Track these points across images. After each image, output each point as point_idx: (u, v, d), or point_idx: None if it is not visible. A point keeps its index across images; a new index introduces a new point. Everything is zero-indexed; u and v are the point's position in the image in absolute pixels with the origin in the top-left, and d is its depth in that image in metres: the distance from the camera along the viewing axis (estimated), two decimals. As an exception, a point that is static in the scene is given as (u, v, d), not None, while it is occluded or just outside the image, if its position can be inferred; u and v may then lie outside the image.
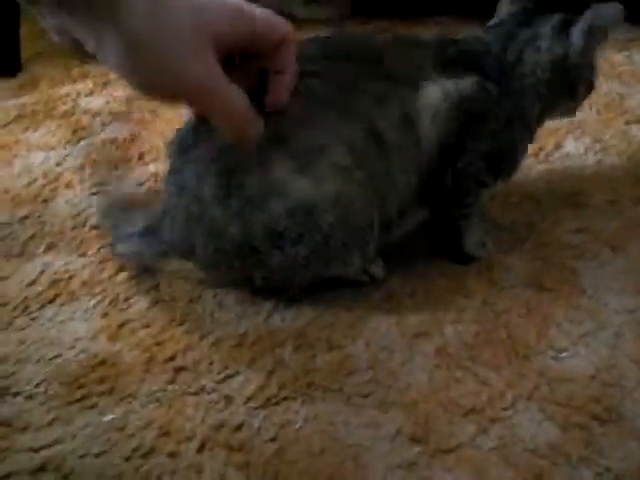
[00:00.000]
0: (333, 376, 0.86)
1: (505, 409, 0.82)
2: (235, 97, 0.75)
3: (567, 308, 0.95)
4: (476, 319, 0.94)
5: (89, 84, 1.67)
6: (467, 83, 0.92)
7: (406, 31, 1.87)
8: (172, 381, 0.87)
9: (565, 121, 1.39)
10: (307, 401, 0.83)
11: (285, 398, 0.84)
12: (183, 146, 0.90)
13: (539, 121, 1.01)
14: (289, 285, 0.93)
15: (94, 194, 1.24)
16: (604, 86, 1.56)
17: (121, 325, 0.96)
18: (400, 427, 0.80)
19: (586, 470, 0.75)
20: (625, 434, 0.78)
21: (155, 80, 0.70)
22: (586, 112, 1.45)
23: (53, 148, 1.40)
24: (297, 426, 0.81)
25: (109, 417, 0.83)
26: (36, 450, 0.79)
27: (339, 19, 1.99)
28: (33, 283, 1.04)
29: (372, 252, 0.93)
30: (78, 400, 0.85)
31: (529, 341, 0.90)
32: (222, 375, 0.87)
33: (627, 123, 1.41)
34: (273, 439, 0.79)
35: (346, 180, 0.86)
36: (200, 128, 0.88)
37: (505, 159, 0.98)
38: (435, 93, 0.91)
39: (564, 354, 0.88)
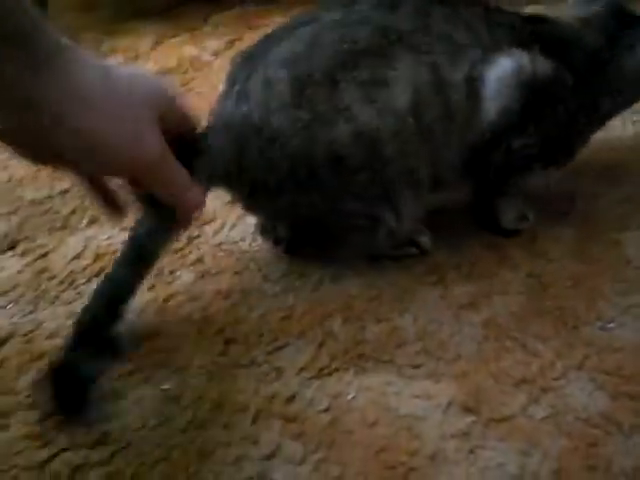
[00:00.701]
0: (383, 347, 0.87)
1: (556, 379, 0.82)
2: (180, 169, 0.76)
3: (613, 279, 0.94)
4: (522, 291, 0.94)
5: (119, 58, 1.70)
6: (545, 65, 0.91)
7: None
8: (223, 353, 0.88)
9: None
10: (359, 372, 0.84)
11: (337, 369, 0.85)
12: (249, 55, 0.90)
13: (608, 118, 1.01)
14: (330, 223, 0.93)
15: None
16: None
17: (167, 298, 0.96)
18: (452, 397, 0.81)
19: (639, 438, 0.75)
20: (677, 403, 0.78)
21: (107, 149, 0.68)
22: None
23: (88, 122, 1.39)
24: (350, 397, 0.81)
25: (164, 387, 0.83)
26: (91, 424, 0.80)
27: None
28: (78, 257, 1.05)
29: (413, 208, 0.92)
30: (130, 373, 0.86)
31: (577, 312, 0.90)
32: (272, 347, 0.88)
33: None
34: (326, 410, 0.80)
35: (404, 121, 0.85)
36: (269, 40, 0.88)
37: (562, 149, 0.97)
38: (508, 66, 0.90)
39: (611, 324, 0.88)
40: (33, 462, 0.76)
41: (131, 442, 0.78)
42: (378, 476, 0.73)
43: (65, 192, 1.19)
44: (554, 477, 0.72)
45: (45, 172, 1.25)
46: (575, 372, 0.83)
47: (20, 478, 0.75)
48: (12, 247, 1.08)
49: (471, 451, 0.76)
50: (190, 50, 1.68)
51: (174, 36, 1.78)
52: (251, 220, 1.08)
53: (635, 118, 1.30)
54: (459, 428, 0.78)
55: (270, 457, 0.76)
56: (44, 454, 0.77)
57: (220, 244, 1.05)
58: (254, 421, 0.79)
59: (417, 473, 0.73)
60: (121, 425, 0.80)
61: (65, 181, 1.21)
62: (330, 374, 0.84)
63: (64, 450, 0.78)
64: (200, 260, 1.02)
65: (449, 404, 0.80)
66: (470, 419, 0.79)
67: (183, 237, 1.06)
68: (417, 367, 0.84)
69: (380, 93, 0.84)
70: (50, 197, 1.19)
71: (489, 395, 0.81)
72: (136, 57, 1.68)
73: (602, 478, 0.72)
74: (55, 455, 0.77)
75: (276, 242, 1.01)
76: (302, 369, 0.85)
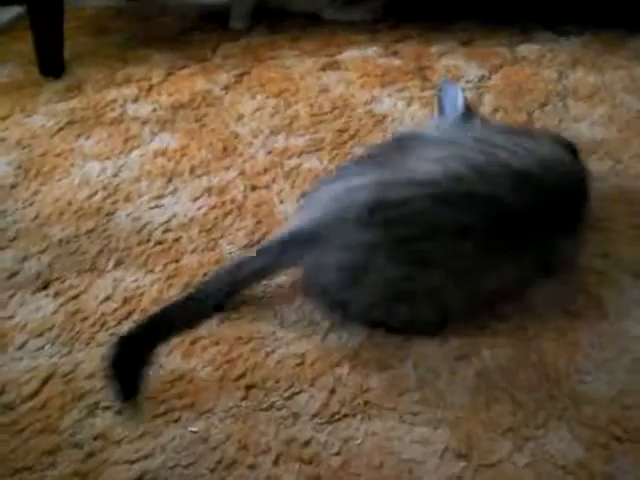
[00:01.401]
0: (387, 395, 0.98)
1: (537, 428, 0.94)
2: None
3: (592, 334, 1.06)
4: (510, 342, 1.05)
5: (134, 89, 1.77)
6: None
7: (432, 36, 1.96)
8: (245, 397, 0.99)
9: (587, 140, 1.49)
10: (365, 418, 0.96)
11: (346, 415, 0.96)
12: None
13: None
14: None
15: (153, 208, 1.35)
16: (625, 101, 1.66)
17: (193, 342, 1.07)
18: (447, 444, 0.92)
19: (609, 485, 0.88)
20: (643, 453, 0.91)
21: None
22: (608, 129, 1.55)
23: (108, 158, 1.50)
24: (358, 441, 0.93)
25: (193, 429, 0.94)
26: (132, 462, 0.92)
27: (371, 22, 2.08)
28: (108, 299, 1.16)
29: None
30: (163, 414, 0.97)
31: (558, 365, 1.02)
32: (289, 392, 0.99)
33: (645, 143, 1.51)
34: (338, 453, 0.92)
35: None
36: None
37: None
38: None
39: (588, 377, 1.00)
40: (81, 498, 0.87)
41: (167, 479, 0.89)
42: (383, 515, 0.85)
43: (91, 232, 1.29)
44: (535, 521, 0.84)
45: (72, 208, 1.34)
46: (555, 422, 0.95)
47: (70, 512, 0.86)
48: (45, 287, 1.18)
49: (464, 493, 0.87)
50: (201, 83, 1.77)
51: (184, 67, 1.87)
52: (265, 266, 1.19)
53: (617, 169, 1.42)
54: (453, 472, 0.90)
55: (291, 496, 0.87)
56: (91, 491, 0.88)
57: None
58: (275, 463, 0.91)
59: (417, 512, 0.85)
60: (157, 464, 0.91)
61: (91, 220, 1.31)
62: (340, 420, 0.96)
63: (109, 486, 0.88)
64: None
65: (445, 450, 0.92)
66: (463, 464, 0.90)
67: (204, 282, 1.16)
68: (417, 414, 0.96)
69: None
70: (77, 237, 1.28)
71: (479, 442, 0.93)
72: (150, 88, 1.77)
73: (576, 522, 0.84)
74: (100, 491, 0.88)
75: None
76: (315, 415, 0.96)
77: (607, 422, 0.95)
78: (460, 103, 1.32)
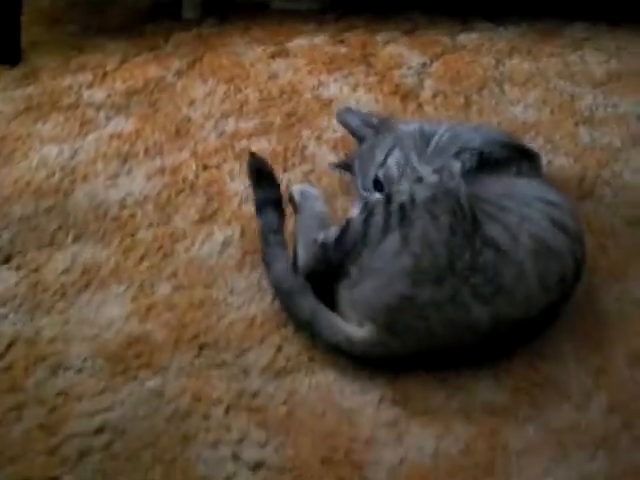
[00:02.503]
0: (329, 352, 1.06)
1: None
2: None
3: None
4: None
5: (89, 76, 1.81)
6: None
7: (377, 25, 2.04)
8: (198, 356, 1.07)
9: (521, 122, 1.59)
10: (309, 373, 1.04)
11: (292, 370, 1.04)
12: None
13: None
14: None
15: (109, 187, 1.41)
16: (558, 85, 1.76)
17: (149, 308, 1.15)
18: (384, 393, 1.01)
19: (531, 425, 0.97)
20: None
21: None
22: (541, 112, 1.65)
23: (65, 141, 1.56)
24: (303, 393, 1.02)
25: (149, 385, 1.02)
26: (92, 415, 0.99)
27: (319, 12, 2.15)
28: (67, 271, 1.22)
29: None
30: (121, 373, 1.04)
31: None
32: (239, 350, 1.07)
33: (576, 124, 1.61)
34: (284, 403, 1.00)
35: None
36: None
37: None
38: None
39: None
40: (47, 448, 0.94)
41: (125, 430, 0.97)
42: (325, 455, 0.94)
43: (50, 209, 1.35)
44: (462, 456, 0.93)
45: (30, 188, 1.40)
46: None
47: (37, 461, 0.93)
48: (7, 260, 1.24)
49: (398, 437, 0.96)
50: (154, 70, 1.83)
51: (138, 54, 1.92)
52: (218, 238, 1.27)
53: (548, 148, 1.52)
54: (389, 419, 0.99)
55: (240, 441, 0.96)
56: (55, 441, 0.95)
57: (191, 260, 1.23)
58: (227, 412, 0.99)
59: (355, 454, 0.94)
60: (116, 416, 0.98)
61: (49, 198, 1.37)
62: (286, 374, 1.04)
63: (71, 437, 0.96)
64: (175, 274, 1.20)
65: (381, 398, 1.01)
66: (397, 410, 0.99)
67: (159, 253, 1.24)
68: (355, 369, 1.04)
69: None
70: (36, 214, 1.34)
71: (415, 392, 1.02)
72: (104, 75, 1.82)
73: (499, 456, 0.93)
74: (64, 441, 0.95)
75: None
76: (264, 370, 1.04)
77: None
78: None
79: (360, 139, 1.34)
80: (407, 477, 0.91)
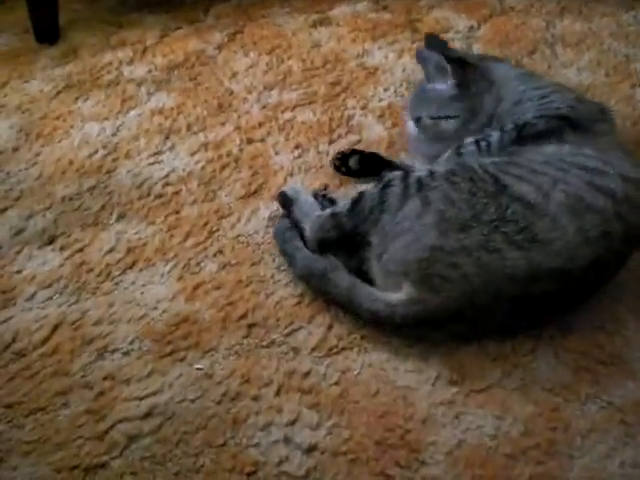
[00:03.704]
0: (382, 330, 1.03)
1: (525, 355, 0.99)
2: None
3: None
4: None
5: (129, 52, 1.79)
6: None
7: None
8: (246, 336, 1.04)
9: (575, 85, 1.53)
10: (362, 351, 1.01)
11: (343, 348, 1.01)
12: None
13: None
14: None
15: (152, 164, 1.39)
16: (612, 47, 1.69)
17: (196, 287, 1.12)
18: (440, 372, 0.98)
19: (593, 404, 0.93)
20: None
21: None
22: (595, 74, 1.58)
23: (106, 118, 1.53)
24: (355, 372, 0.98)
25: (198, 366, 1.00)
26: (141, 398, 0.97)
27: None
28: (111, 251, 1.20)
29: None
30: (169, 354, 1.02)
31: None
32: (288, 330, 1.04)
33: (632, 87, 1.54)
34: (337, 383, 0.97)
35: None
36: None
37: None
38: None
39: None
40: (94, 433, 0.93)
41: (175, 413, 0.95)
42: (380, 437, 0.91)
43: (93, 188, 1.33)
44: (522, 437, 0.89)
45: (73, 167, 1.38)
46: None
47: (84, 447, 0.92)
48: (51, 242, 1.22)
49: (456, 416, 0.92)
50: (195, 44, 1.80)
51: (178, 28, 1.89)
52: (263, 213, 1.24)
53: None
54: (445, 397, 0.95)
55: (292, 423, 0.93)
56: (103, 426, 0.93)
57: (237, 236, 1.20)
58: (277, 393, 0.96)
59: (411, 434, 0.91)
60: (165, 399, 0.96)
61: (92, 177, 1.35)
62: (338, 353, 1.01)
63: (120, 422, 0.94)
64: (221, 252, 1.18)
65: (437, 377, 0.98)
66: (454, 390, 0.96)
67: (204, 231, 1.21)
68: (411, 346, 1.01)
69: None
70: (79, 194, 1.32)
71: (470, 369, 0.98)
72: (144, 50, 1.79)
73: (561, 437, 0.89)
74: (112, 426, 0.93)
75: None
76: (314, 349, 1.01)
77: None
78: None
79: (430, 76, 1.31)
80: (467, 461, 0.88)
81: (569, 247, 0.97)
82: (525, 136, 1.15)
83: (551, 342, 1.01)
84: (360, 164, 1.33)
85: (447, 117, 1.25)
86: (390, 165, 1.32)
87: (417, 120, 1.27)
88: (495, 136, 1.17)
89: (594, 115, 1.18)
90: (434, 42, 1.34)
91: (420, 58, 1.32)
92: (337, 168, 1.34)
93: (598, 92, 1.52)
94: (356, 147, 1.38)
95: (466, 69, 1.26)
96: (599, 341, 1.01)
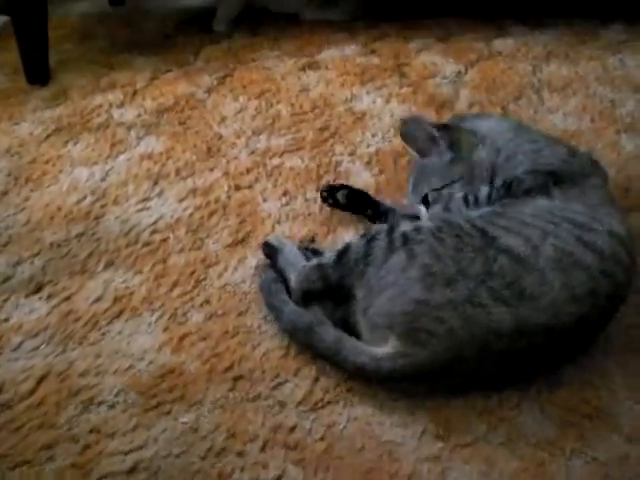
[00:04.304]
0: (368, 383, 1.03)
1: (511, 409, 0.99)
2: None
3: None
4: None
5: (119, 94, 1.80)
6: None
7: (409, 33, 2.00)
8: (232, 389, 1.04)
9: (560, 131, 1.54)
10: (348, 405, 1.01)
11: (329, 402, 1.01)
12: None
13: None
14: None
15: (140, 210, 1.39)
16: (598, 91, 1.71)
17: (182, 338, 1.12)
18: (425, 426, 0.98)
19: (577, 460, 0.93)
20: None
21: None
22: (581, 120, 1.60)
23: (95, 163, 1.54)
24: (341, 427, 0.98)
25: (184, 420, 0.99)
26: (126, 453, 0.96)
27: (350, 21, 2.12)
28: (98, 299, 1.20)
29: None
30: (154, 407, 1.02)
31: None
32: (274, 382, 1.04)
33: (617, 132, 1.56)
34: (322, 438, 0.97)
35: None
36: None
37: None
38: None
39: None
40: (79, 488, 0.92)
41: (160, 468, 0.94)
42: (366, 495, 0.90)
43: (80, 235, 1.34)
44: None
45: (61, 213, 1.38)
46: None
47: (69, 502, 0.91)
48: (38, 290, 1.22)
49: (442, 472, 0.92)
50: (184, 87, 1.81)
51: (168, 71, 1.91)
52: (251, 262, 1.24)
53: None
54: (431, 452, 0.95)
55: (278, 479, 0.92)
56: (88, 481, 0.93)
57: (224, 286, 1.21)
58: (263, 449, 0.96)
59: (398, 492, 0.90)
60: (150, 454, 0.96)
61: (80, 223, 1.35)
62: (324, 407, 1.01)
63: (104, 477, 0.93)
64: (208, 301, 1.18)
65: (423, 432, 0.97)
66: (440, 445, 0.95)
67: (191, 280, 1.21)
68: (396, 400, 1.01)
69: None
70: (67, 241, 1.32)
71: (457, 424, 0.98)
72: (134, 93, 1.81)
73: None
74: (97, 481, 0.93)
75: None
76: (300, 402, 1.01)
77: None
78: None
79: (421, 153, 1.29)
80: (452, 519, 0.87)
81: (555, 303, 0.98)
82: (515, 192, 1.15)
83: (537, 396, 1.01)
84: (348, 199, 1.34)
85: (452, 182, 1.23)
86: (377, 205, 1.33)
87: (424, 199, 1.24)
88: (484, 192, 1.17)
89: (586, 169, 1.18)
90: (411, 122, 1.32)
91: (406, 138, 1.30)
92: (324, 199, 1.35)
93: (584, 139, 1.54)
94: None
95: (453, 131, 1.26)
96: (586, 395, 1.01)
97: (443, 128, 1.27)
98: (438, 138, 1.24)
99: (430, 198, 1.23)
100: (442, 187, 1.23)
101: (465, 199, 1.18)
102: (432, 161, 1.26)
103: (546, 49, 1.92)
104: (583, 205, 1.10)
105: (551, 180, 1.14)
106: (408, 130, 1.30)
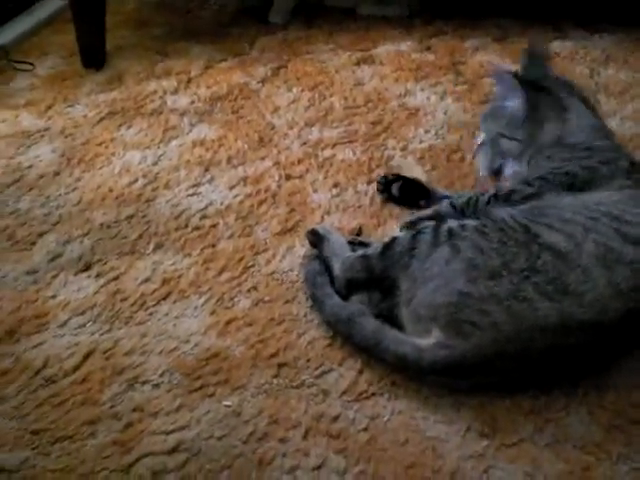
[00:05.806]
0: (412, 378, 1.01)
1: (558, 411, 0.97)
2: None
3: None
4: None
5: (173, 82, 1.81)
6: None
7: (466, 31, 1.99)
8: (276, 375, 1.03)
9: (617, 135, 1.51)
10: (392, 398, 1.00)
11: (373, 394, 1.00)
12: None
13: None
14: None
15: (191, 195, 1.40)
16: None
17: (228, 322, 1.12)
18: (470, 424, 0.96)
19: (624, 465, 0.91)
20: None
21: None
22: (638, 125, 1.59)
23: (148, 147, 1.55)
24: (385, 419, 0.97)
25: (227, 403, 0.99)
26: (168, 433, 0.96)
27: (406, 18, 2.11)
28: (147, 280, 1.21)
29: None
30: (198, 389, 1.02)
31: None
32: (319, 371, 1.03)
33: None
34: (365, 429, 0.96)
35: None
36: None
37: None
38: None
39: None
40: (120, 465, 0.92)
41: (201, 450, 0.94)
42: (407, 489, 0.89)
43: (131, 217, 1.34)
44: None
45: (113, 194, 1.40)
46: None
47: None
48: (87, 268, 1.23)
49: (485, 470, 0.91)
50: (239, 76, 1.82)
51: (223, 60, 1.92)
52: (299, 251, 1.24)
53: None
54: (476, 450, 0.93)
55: (318, 468, 0.91)
56: (129, 459, 0.93)
57: (272, 273, 1.20)
58: (305, 436, 0.95)
59: (440, 487, 0.89)
60: (192, 435, 0.95)
61: (131, 206, 1.36)
62: (368, 398, 1.00)
63: (146, 456, 0.93)
64: (255, 288, 1.18)
65: (467, 429, 0.96)
66: (485, 443, 0.94)
67: (239, 266, 1.21)
68: (441, 397, 0.99)
69: None
70: (117, 222, 1.33)
71: (502, 423, 0.96)
72: (188, 81, 1.82)
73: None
74: (138, 460, 0.93)
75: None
76: (344, 392, 1.00)
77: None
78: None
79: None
80: (494, 518, 0.86)
81: (600, 299, 0.96)
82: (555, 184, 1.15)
83: (585, 399, 0.98)
84: (401, 192, 1.35)
85: (513, 139, 1.24)
86: (429, 195, 1.34)
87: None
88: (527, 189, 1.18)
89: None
90: (534, 55, 1.33)
91: (496, 76, 1.31)
92: (380, 192, 1.37)
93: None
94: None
95: (539, 94, 1.25)
96: (634, 399, 0.99)
97: (531, 85, 1.25)
98: (521, 95, 1.23)
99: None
100: (505, 136, 1.26)
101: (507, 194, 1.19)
102: (510, 106, 1.26)
103: (604, 53, 1.89)
104: (619, 199, 1.09)
105: (594, 177, 1.14)
106: (501, 71, 1.31)
